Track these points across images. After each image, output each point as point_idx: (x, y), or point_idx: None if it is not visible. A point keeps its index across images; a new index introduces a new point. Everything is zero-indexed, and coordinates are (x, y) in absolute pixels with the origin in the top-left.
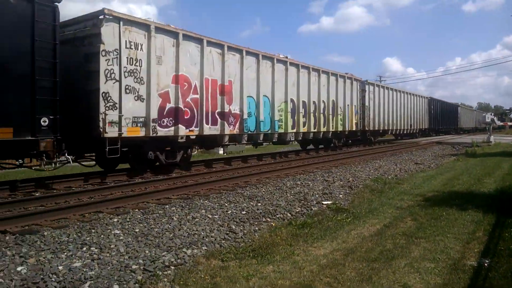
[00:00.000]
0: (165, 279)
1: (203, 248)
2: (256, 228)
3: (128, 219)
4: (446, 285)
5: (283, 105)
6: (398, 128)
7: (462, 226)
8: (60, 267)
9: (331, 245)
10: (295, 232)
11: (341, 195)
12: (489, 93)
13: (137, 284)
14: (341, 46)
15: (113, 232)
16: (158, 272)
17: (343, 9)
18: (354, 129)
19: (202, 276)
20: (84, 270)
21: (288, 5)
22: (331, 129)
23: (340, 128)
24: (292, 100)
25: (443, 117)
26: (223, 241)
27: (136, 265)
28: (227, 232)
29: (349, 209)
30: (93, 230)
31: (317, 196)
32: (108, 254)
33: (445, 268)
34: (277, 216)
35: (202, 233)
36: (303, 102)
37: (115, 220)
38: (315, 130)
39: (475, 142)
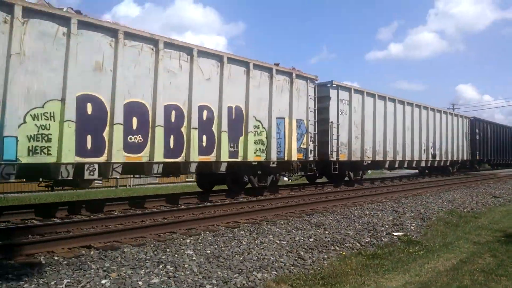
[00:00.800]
0: None
1: (273, 272)
2: (325, 256)
3: (199, 241)
4: None
5: None
6: (409, 159)
7: None
8: (140, 282)
9: (403, 278)
10: (365, 263)
11: (412, 227)
12: None
13: None
14: (411, 73)
15: (186, 252)
16: None
17: (413, 35)
18: (295, 158)
19: None
20: (162, 286)
21: (355, 32)
22: (225, 159)
23: (255, 157)
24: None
25: (496, 145)
26: (292, 267)
27: (209, 285)
28: (296, 258)
29: (422, 242)
30: (167, 250)
31: (387, 226)
32: (182, 273)
33: None
34: (346, 245)
35: (272, 257)
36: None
37: (188, 241)
38: (163, 160)
39: None
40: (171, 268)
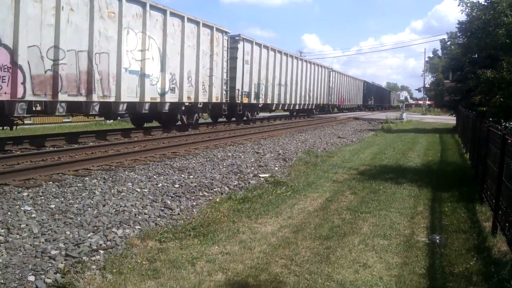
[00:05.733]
0: (94, 267)
1: (136, 227)
2: (194, 203)
3: (41, 193)
4: (407, 264)
5: None
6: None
7: (401, 200)
8: None
9: (277, 221)
10: (236, 207)
11: (276, 168)
12: (397, 74)
13: (58, 274)
14: (264, 20)
15: (22, 208)
16: (84, 258)
17: None
18: None
19: (139, 261)
20: None
21: None
22: None
23: None
24: None
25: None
26: (158, 219)
27: (55, 249)
28: (162, 208)
29: (287, 182)
30: None
31: (252, 168)
32: (18, 236)
33: (399, 246)
34: (214, 189)
35: (133, 209)
36: None
37: (25, 194)
38: None
39: (389, 119)
40: (2, 231)
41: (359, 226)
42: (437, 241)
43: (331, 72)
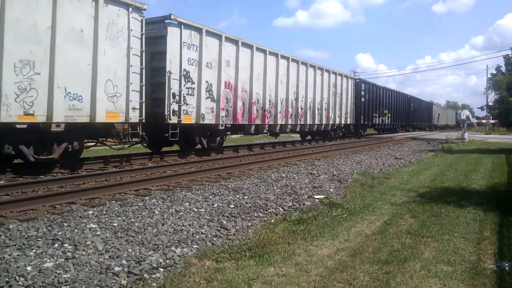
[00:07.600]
0: (154, 284)
1: (194, 246)
2: (249, 224)
3: (104, 212)
4: None
5: None
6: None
7: (466, 224)
8: (29, 268)
9: (334, 244)
10: (291, 229)
11: (331, 189)
12: (457, 92)
13: None
14: (316, 41)
15: (88, 226)
16: (145, 275)
17: (318, 3)
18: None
19: (197, 280)
20: (58, 272)
21: None
22: None
23: None
24: None
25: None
26: (215, 239)
27: (119, 266)
28: (218, 228)
29: (343, 204)
30: (65, 224)
31: (306, 189)
32: (84, 252)
33: (465, 273)
34: (269, 210)
35: (191, 229)
36: None
37: (90, 212)
38: None
39: (450, 138)
40: (70, 247)
41: (420, 251)
42: (507, 268)
43: (204, 37)
